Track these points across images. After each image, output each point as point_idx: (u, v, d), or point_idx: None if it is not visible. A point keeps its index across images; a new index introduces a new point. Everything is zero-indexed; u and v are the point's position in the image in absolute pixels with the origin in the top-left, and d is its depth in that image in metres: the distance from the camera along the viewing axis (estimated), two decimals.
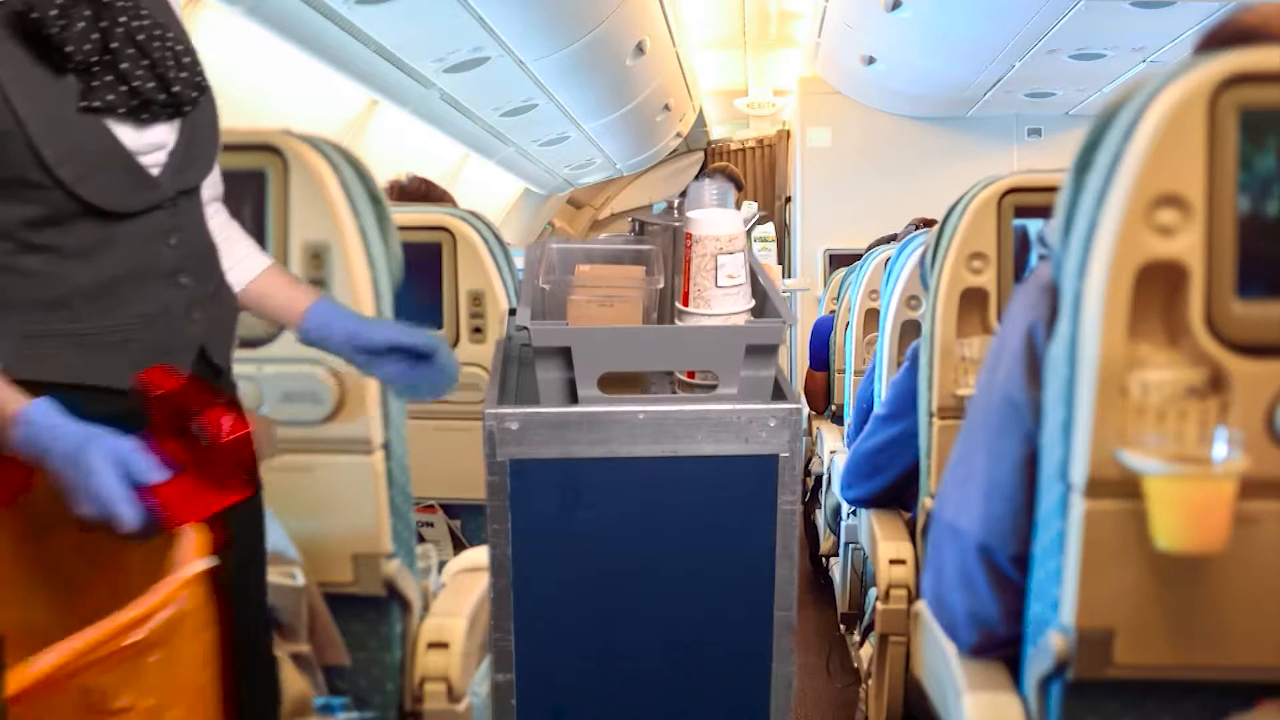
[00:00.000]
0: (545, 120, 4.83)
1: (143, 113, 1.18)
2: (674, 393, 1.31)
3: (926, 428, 1.84)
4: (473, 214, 2.10)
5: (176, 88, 1.20)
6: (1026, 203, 1.76)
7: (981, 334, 1.80)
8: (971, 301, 1.79)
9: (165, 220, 1.23)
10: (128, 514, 1.02)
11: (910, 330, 2.23)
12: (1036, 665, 1.04)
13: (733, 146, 7.55)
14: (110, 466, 1.03)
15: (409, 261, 1.74)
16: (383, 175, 1.90)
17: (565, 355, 1.20)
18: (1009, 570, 1.10)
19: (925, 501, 1.87)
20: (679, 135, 6.63)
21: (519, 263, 1.91)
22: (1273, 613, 0.99)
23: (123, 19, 1.16)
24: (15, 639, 1.05)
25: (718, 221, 1.28)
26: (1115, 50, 4.31)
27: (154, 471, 1.05)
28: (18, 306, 1.12)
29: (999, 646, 1.14)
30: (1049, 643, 1.01)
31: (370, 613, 1.65)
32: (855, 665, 2.56)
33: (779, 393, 1.27)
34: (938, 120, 5.91)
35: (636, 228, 1.61)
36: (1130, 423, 0.95)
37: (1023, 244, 1.78)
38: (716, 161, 7.35)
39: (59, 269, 1.13)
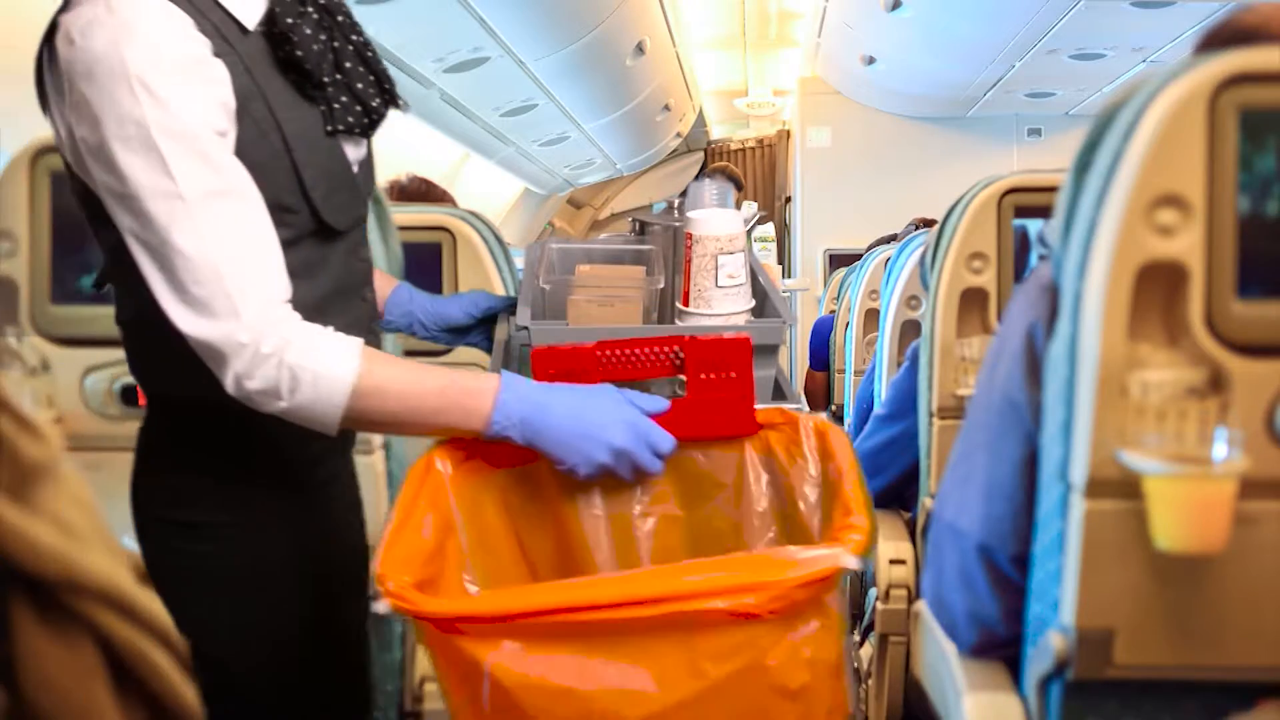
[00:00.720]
0: (545, 120, 4.83)
1: (371, 130, 1.17)
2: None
3: (926, 428, 1.84)
4: (473, 214, 2.09)
5: (399, 101, 1.18)
6: (1026, 203, 1.76)
7: (981, 334, 1.79)
8: (971, 301, 1.79)
9: (358, 236, 1.22)
10: (663, 438, 1.06)
11: (910, 330, 2.23)
12: (1036, 665, 1.04)
13: (733, 146, 7.54)
14: (626, 402, 1.06)
15: (409, 261, 1.73)
16: (383, 175, 1.90)
17: None
18: (1009, 570, 1.10)
19: (925, 501, 1.87)
20: (679, 135, 6.63)
21: (519, 263, 1.91)
22: (1273, 613, 0.99)
23: (353, 37, 1.14)
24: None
25: (718, 221, 1.28)
26: (1115, 50, 4.31)
27: (656, 401, 1.08)
28: None
29: (999, 646, 1.14)
30: (1049, 643, 1.01)
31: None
32: (855, 665, 2.56)
33: (779, 393, 1.27)
34: (938, 120, 5.91)
35: (636, 228, 1.61)
36: (1130, 423, 0.95)
37: (1023, 244, 1.78)
38: (716, 161, 7.35)
39: None
